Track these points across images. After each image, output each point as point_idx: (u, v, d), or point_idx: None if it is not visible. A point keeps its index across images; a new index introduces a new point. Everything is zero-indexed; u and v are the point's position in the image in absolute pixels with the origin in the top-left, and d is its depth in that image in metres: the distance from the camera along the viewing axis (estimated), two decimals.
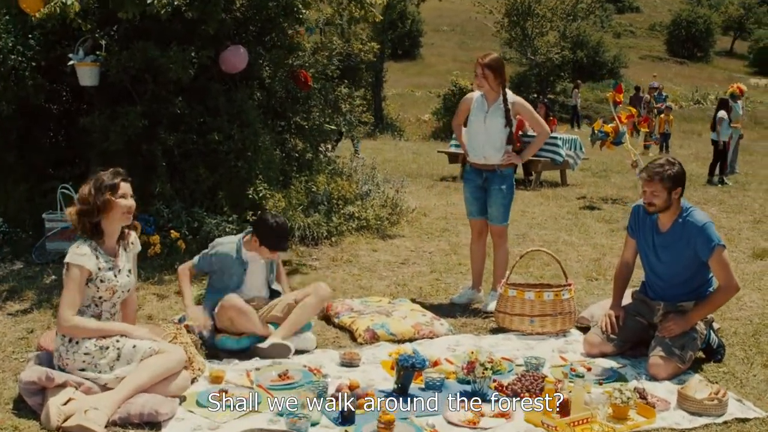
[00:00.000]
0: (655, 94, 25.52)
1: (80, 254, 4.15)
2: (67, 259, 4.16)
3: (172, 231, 7.54)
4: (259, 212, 7.21)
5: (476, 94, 6.57)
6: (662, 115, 24.20)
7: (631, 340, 5.38)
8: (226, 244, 5.51)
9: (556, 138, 14.04)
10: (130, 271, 4.49)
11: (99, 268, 4.22)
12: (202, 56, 7.90)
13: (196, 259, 5.57)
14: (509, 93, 6.42)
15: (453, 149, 14.83)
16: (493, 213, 6.56)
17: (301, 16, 8.47)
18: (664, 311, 5.28)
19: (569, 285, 5.97)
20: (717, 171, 16.17)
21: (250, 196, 8.03)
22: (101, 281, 4.24)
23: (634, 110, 12.66)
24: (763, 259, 9.09)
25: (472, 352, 4.65)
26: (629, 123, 12.78)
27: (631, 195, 13.59)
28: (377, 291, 6.91)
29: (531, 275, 7.65)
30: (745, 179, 16.66)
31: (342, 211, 8.86)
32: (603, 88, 42.25)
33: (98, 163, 7.89)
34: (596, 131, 12.49)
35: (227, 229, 7.73)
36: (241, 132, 8.11)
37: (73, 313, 4.12)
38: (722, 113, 16.16)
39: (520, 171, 14.84)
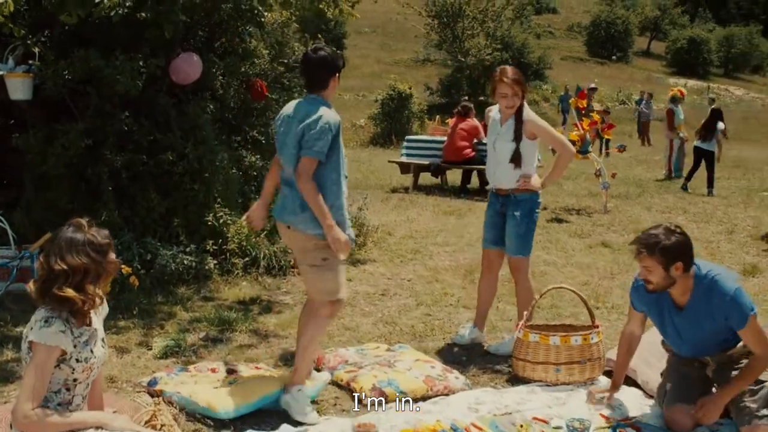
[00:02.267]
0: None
1: (53, 332, 3.23)
2: (32, 337, 3.24)
3: (122, 266, 6.56)
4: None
5: (493, 110, 5.81)
6: (598, 117, 23.91)
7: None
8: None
9: None
10: (104, 339, 3.59)
11: (75, 346, 3.32)
12: (151, 65, 6.97)
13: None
14: (526, 108, 5.64)
15: (405, 158, 14.07)
16: (507, 242, 5.78)
17: (262, 20, 7.58)
18: (717, 365, 4.48)
19: (597, 327, 5.23)
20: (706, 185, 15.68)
21: (209, 222, 7.13)
22: (77, 361, 3.33)
23: (597, 116, 12.10)
24: (755, 276, 8.61)
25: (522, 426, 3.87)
26: (592, 130, 12.21)
27: (592, 204, 13.04)
28: (365, 332, 6.10)
29: (540, 311, 6.90)
30: (691, 183, 16.32)
31: None
32: (530, 89, 42.14)
33: (35, 188, 6.91)
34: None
35: (185, 261, 6.82)
36: (196, 150, 7.20)
37: (34, 406, 3.20)
38: (720, 124, 15.66)
39: (477, 182, 14.20)
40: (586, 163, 13.85)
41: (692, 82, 60.67)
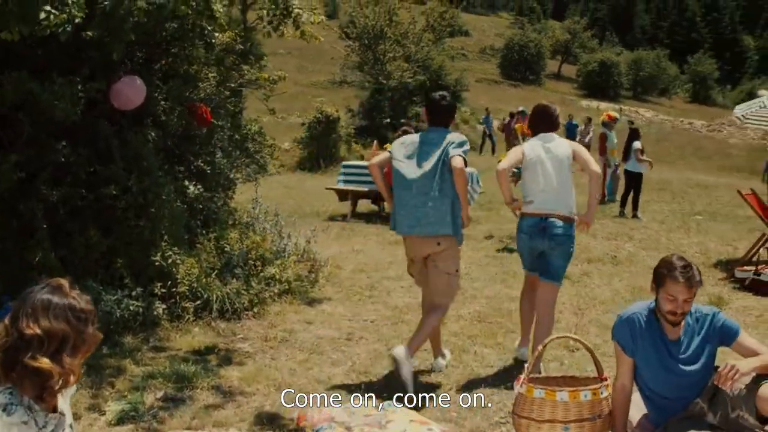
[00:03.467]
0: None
1: (13, 424, 2.60)
2: None
3: None
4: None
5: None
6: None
7: None
8: None
9: None
10: (72, 425, 2.96)
11: None
12: (91, 89, 6.29)
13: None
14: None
15: (342, 185, 13.53)
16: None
17: (212, 41, 6.96)
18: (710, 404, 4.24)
19: (605, 379, 4.77)
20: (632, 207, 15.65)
21: (157, 262, 6.46)
22: None
23: None
24: (722, 307, 8.33)
25: None
26: None
27: None
28: (338, 384, 5.53)
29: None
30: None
31: (261, 274, 7.38)
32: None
33: None
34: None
35: (131, 307, 6.15)
36: (141, 182, 6.54)
37: None
38: (636, 143, 15.65)
39: None
40: None
41: (604, 105, 61.75)
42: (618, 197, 16.88)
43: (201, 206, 7.56)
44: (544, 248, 5.81)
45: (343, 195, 13.51)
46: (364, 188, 13.37)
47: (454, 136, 5.57)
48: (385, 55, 31.44)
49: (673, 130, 51.07)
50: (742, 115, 11.42)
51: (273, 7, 6.45)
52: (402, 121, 23.65)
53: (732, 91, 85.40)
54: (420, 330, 5.61)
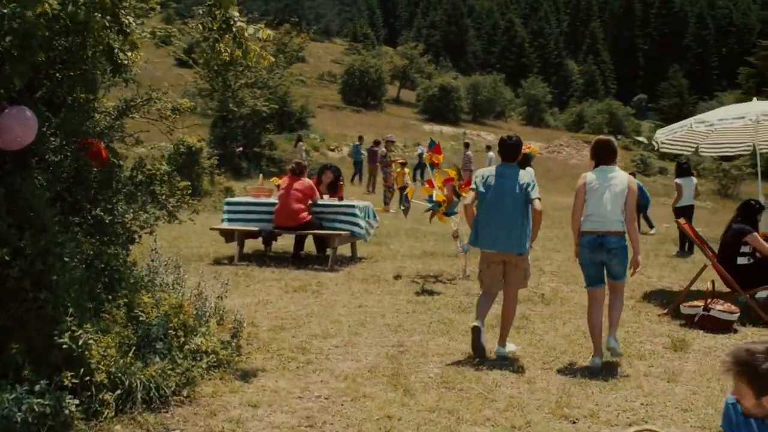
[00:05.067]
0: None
1: None
2: None
3: None
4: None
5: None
6: (399, 170, 23.05)
7: None
8: None
9: (354, 207, 11.94)
10: None
11: None
12: None
13: None
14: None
15: (227, 225, 12.15)
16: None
17: (123, 61, 5.58)
18: None
19: None
20: None
21: (64, 345, 5.02)
22: None
23: (453, 173, 10.86)
24: (685, 351, 7.68)
25: None
26: (448, 187, 10.96)
27: (446, 268, 11.83)
28: None
29: None
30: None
31: (186, 347, 6.02)
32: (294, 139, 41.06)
33: None
34: (428, 199, 10.57)
35: (35, 407, 4.70)
36: (36, 242, 5.10)
37: None
38: (529, 169, 15.02)
39: (311, 246, 12.55)
40: (435, 224, 12.60)
41: (446, 128, 62.46)
42: None
43: (102, 265, 6.13)
44: (603, 259, 7.09)
45: (228, 235, 12.12)
46: (253, 227, 12.06)
47: (528, 175, 7.30)
48: (236, 81, 30.04)
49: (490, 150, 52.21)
50: (662, 141, 10.94)
51: (210, 19, 5.18)
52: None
53: (562, 113, 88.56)
54: (506, 317, 7.40)
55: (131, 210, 6.50)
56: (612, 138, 7.47)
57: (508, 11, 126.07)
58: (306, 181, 11.92)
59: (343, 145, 46.36)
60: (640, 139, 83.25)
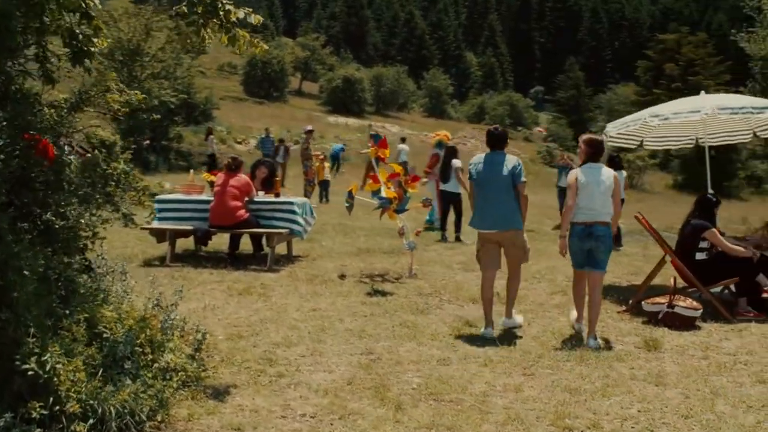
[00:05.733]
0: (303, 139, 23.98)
1: None
2: None
3: None
4: None
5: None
6: (319, 163, 22.62)
7: None
8: None
9: (293, 204, 11.43)
10: None
11: None
12: None
13: None
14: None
15: (157, 223, 11.43)
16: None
17: (90, 48, 4.96)
18: None
19: None
20: (454, 229, 14.90)
21: (30, 371, 4.41)
22: None
23: (398, 168, 10.46)
24: (659, 350, 7.49)
25: None
26: (394, 183, 10.56)
27: (390, 266, 11.45)
28: None
29: None
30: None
31: (156, 365, 5.45)
32: (201, 131, 40.08)
33: None
34: (373, 196, 10.13)
35: None
36: None
37: None
38: (456, 162, 14.81)
39: (245, 245, 11.97)
40: (360, 219, 12.20)
41: (351, 120, 62.10)
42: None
43: (56, 276, 5.49)
44: (591, 246, 7.75)
45: (160, 235, 11.43)
46: (187, 226, 11.40)
47: (515, 160, 8.01)
48: (142, 72, 28.96)
49: (422, 144, 52.15)
50: (611, 135, 10.80)
51: (195, 1, 4.62)
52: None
53: (463, 105, 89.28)
54: (511, 291, 8.26)
55: (87, 214, 5.87)
56: (599, 137, 8.33)
57: (407, 3, 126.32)
58: (243, 178, 11.34)
59: (250, 137, 45.48)
60: (539, 129, 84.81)
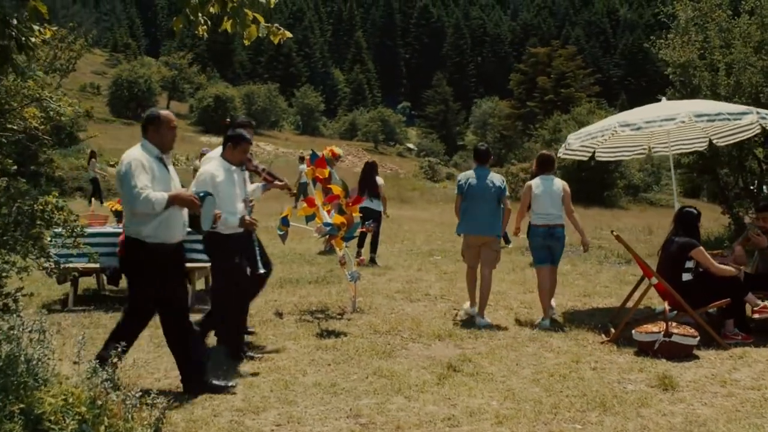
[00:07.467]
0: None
1: None
2: None
3: None
4: None
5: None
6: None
7: None
8: None
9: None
10: None
11: None
12: None
13: None
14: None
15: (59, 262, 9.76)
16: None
17: (30, 42, 3.57)
18: None
19: None
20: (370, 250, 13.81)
21: None
22: None
23: (338, 190, 9.24)
24: (675, 389, 6.56)
25: None
26: (334, 206, 9.34)
27: (329, 301, 10.20)
28: None
29: None
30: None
31: None
32: (75, 155, 37.74)
33: None
34: (322, 224, 8.86)
35: None
36: None
37: None
38: (380, 179, 13.71)
39: None
40: (269, 244, 10.90)
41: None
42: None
43: None
44: (551, 244, 9.09)
45: (62, 275, 9.81)
46: (93, 264, 9.81)
47: (497, 176, 9.33)
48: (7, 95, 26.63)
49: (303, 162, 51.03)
50: (575, 147, 9.95)
51: None
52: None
53: (334, 122, 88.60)
54: (484, 294, 9.14)
55: (8, 264, 4.45)
56: (552, 153, 9.70)
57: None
58: None
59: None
60: (410, 146, 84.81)
